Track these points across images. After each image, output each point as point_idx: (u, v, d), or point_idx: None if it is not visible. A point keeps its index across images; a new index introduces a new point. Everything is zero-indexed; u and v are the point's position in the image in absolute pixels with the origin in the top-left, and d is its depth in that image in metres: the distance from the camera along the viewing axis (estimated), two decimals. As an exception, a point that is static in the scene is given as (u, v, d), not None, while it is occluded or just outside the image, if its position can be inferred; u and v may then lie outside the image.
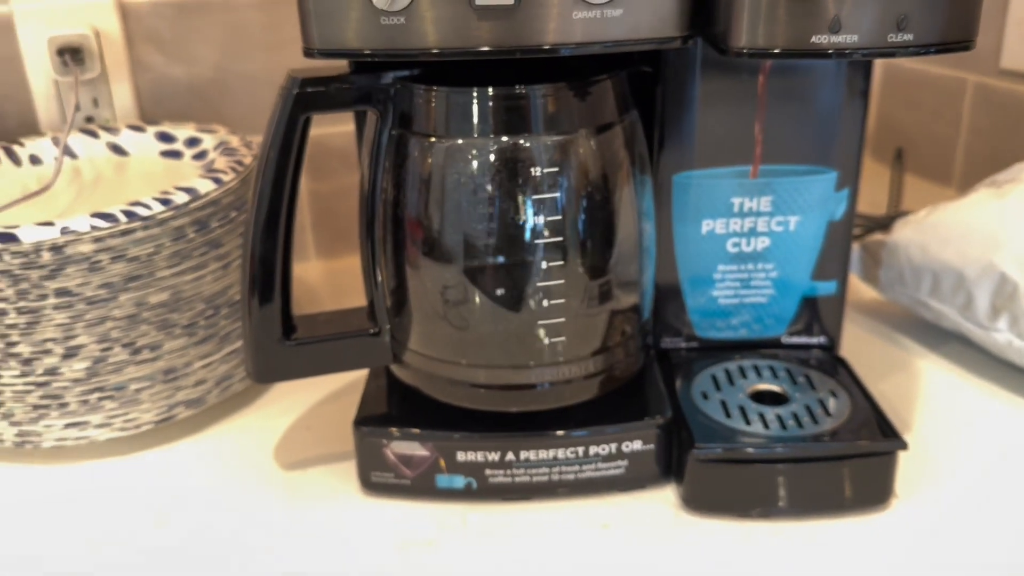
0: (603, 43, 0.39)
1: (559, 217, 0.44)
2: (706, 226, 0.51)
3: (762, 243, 0.52)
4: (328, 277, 0.78)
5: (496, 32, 0.38)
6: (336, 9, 0.38)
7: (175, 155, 0.65)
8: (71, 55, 0.66)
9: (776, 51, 0.36)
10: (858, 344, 0.63)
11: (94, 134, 0.66)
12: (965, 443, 0.52)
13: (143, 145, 0.66)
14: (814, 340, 0.54)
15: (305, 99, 0.42)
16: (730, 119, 0.48)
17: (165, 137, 0.66)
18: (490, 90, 0.42)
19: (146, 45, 0.70)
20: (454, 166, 0.43)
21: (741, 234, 0.51)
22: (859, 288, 0.69)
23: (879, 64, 0.98)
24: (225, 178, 0.55)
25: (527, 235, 0.44)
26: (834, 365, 0.52)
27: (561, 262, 0.45)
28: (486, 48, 0.39)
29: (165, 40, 0.70)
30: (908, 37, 0.35)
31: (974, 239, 0.57)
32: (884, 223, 0.80)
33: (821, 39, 0.35)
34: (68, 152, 0.65)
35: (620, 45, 0.39)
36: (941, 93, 0.90)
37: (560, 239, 0.44)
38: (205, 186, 0.53)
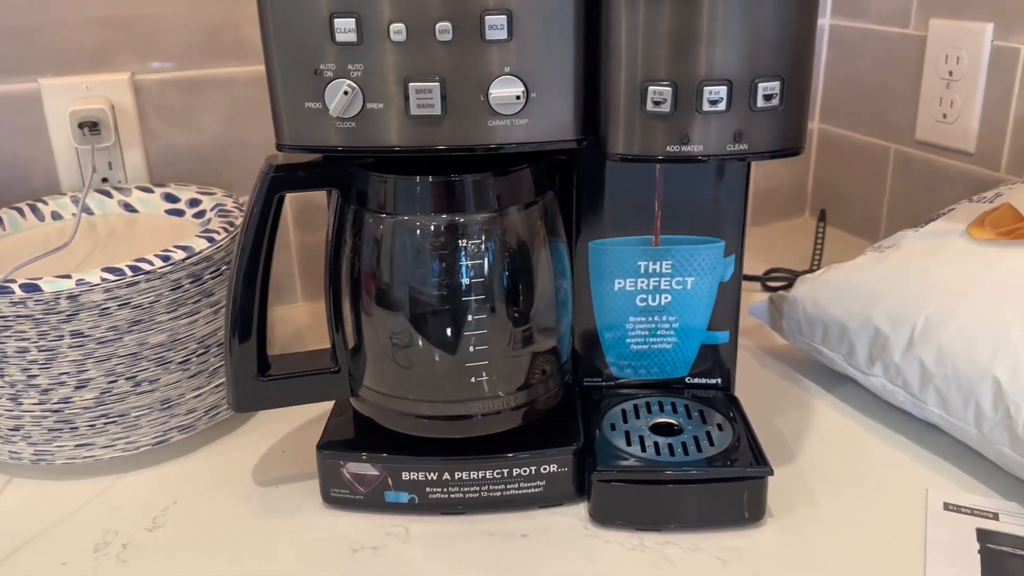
0: (514, 144, 0.49)
1: (486, 279, 0.54)
2: (618, 284, 0.61)
3: (665, 299, 0.61)
4: (312, 318, 0.88)
5: (428, 135, 0.49)
6: (300, 114, 0.49)
7: (178, 213, 0.75)
8: (89, 127, 0.76)
9: (642, 157, 0.46)
10: (764, 384, 0.72)
11: (108, 194, 0.77)
12: (842, 471, 0.61)
13: (151, 204, 0.76)
14: (712, 381, 0.63)
15: (278, 182, 0.53)
16: (634, 197, 0.58)
17: (170, 198, 0.76)
18: (430, 178, 0.52)
19: (156, 116, 0.80)
20: (401, 237, 0.53)
21: (647, 291, 0.61)
22: (770, 335, 0.79)
23: (815, 131, 1.08)
24: (218, 237, 0.65)
25: (460, 293, 0.54)
26: (727, 403, 0.62)
27: (488, 314, 0.54)
28: (421, 146, 0.49)
29: (173, 112, 0.81)
30: (743, 147, 0.45)
31: (856, 296, 0.66)
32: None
33: (674, 149, 0.45)
34: (85, 210, 0.75)
35: (528, 146, 0.49)
36: (868, 158, 1.01)
37: (487, 296, 0.54)
38: (199, 244, 0.63)
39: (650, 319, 0.62)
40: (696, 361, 0.63)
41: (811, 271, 0.89)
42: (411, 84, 0.47)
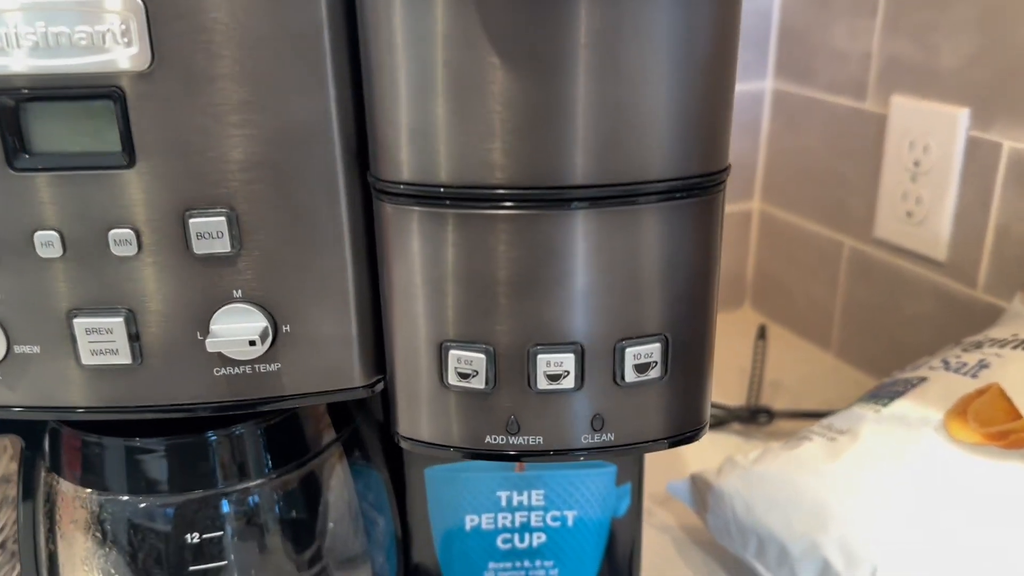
0: (257, 400, 0.31)
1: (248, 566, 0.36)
2: (470, 521, 0.44)
3: (538, 539, 0.44)
4: None
5: (117, 391, 0.30)
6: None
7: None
8: None
9: (446, 448, 0.28)
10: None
11: None
12: None
13: None
14: (604, 645, 0.46)
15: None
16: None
17: None
18: (156, 442, 0.33)
19: None
20: (114, 523, 0.35)
21: (512, 529, 0.44)
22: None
23: (756, 213, 0.92)
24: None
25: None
26: None
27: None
28: (107, 407, 0.31)
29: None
30: (608, 437, 0.28)
31: (800, 508, 0.50)
32: (741, 415, 0.73)
33: (497, 440, 0.28)
34: None
35: (282, 402, 0.31)
36: (817, 252, 0.85)
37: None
38: None
39: (519, 565, 0.45)
40: (584, 614, 0.46)
41: (750, 412, 0.73)
42: (77, 321, 0.29)
